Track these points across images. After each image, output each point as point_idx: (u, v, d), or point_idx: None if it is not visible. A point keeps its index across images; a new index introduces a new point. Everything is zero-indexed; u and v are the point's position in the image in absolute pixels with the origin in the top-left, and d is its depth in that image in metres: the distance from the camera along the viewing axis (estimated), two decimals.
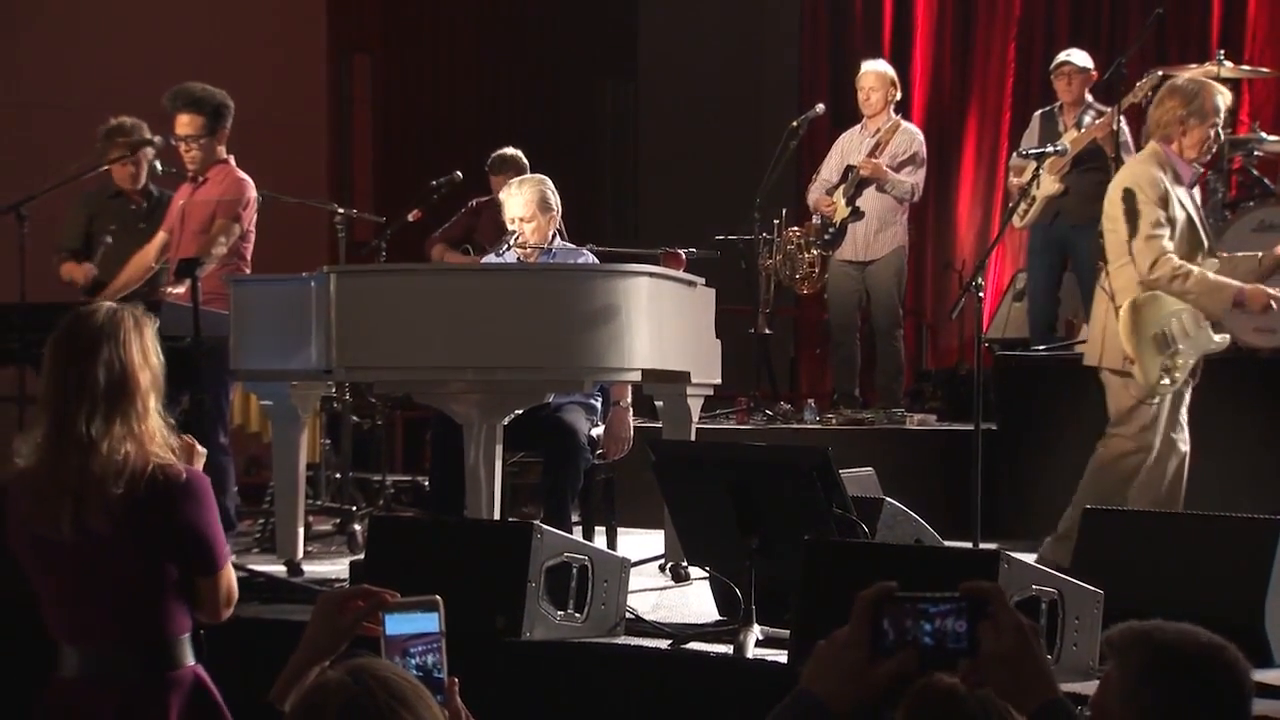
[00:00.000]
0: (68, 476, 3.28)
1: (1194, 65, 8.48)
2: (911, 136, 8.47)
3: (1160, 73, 8.19)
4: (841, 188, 8.49)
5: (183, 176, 6.97)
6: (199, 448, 3.51)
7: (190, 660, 3.40)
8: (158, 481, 3.30)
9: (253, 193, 6.80)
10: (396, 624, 2.35)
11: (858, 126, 8.66)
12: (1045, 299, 8.43)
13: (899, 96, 8.64)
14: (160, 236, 6.91)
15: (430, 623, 2.35)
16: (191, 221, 6.78)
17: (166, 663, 3.36)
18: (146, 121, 7.13)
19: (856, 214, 8.44)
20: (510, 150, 8.07)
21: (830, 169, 8.64)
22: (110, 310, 3.42)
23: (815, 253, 8.62)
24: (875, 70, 8.57)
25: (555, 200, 6.28)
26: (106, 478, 3.26)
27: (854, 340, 8.67)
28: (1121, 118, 7.98)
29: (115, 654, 3.34)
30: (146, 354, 3.40)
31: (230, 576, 3.46)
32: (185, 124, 6.72)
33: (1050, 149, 7.72)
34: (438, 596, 2.38)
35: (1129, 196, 5.77)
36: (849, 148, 8.60)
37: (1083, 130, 8.07)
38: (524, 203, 6.20)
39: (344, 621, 2.48)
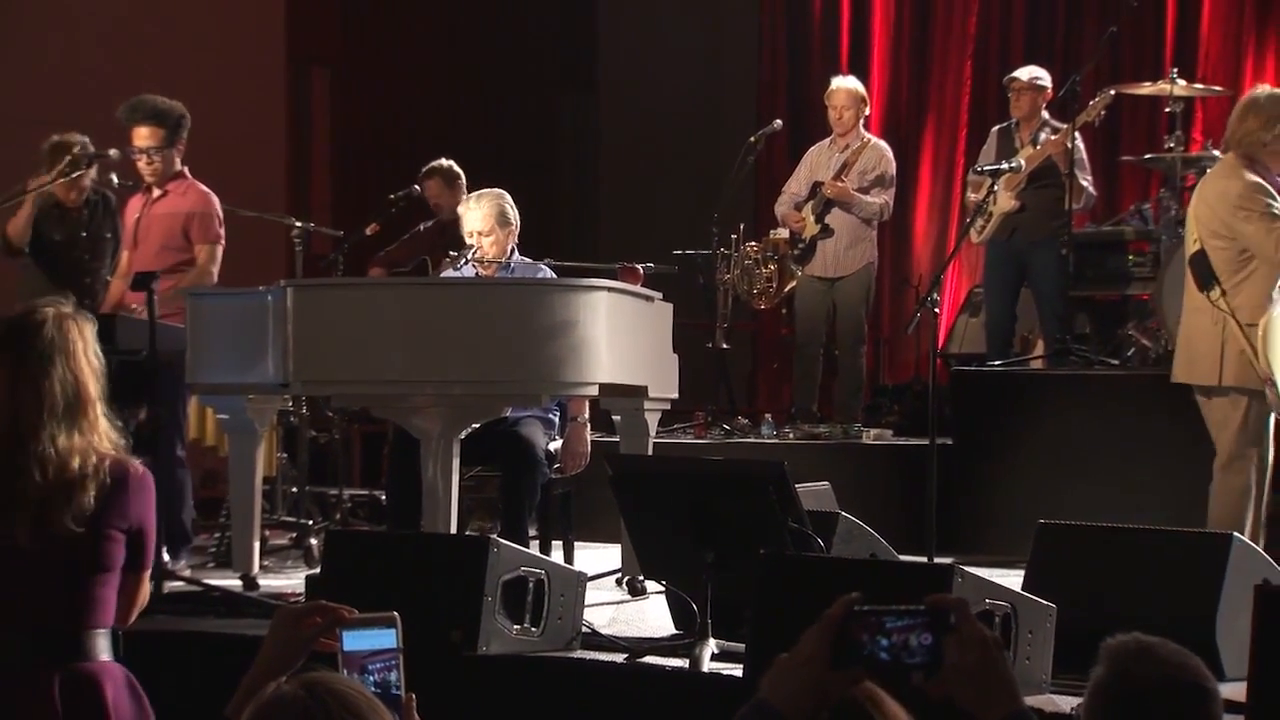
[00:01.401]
0: (28, 489, 3.29)
1: (1147, 83, 8.57)
2: (881, 154, 8.49)
3: (1113, 91, 8.27)
4: (810, 204, 8.51)
5: (138, 189, 6.95)
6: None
7: (109, 655, 3.42)
8: (118, 476, 3.36)
9: (219, 206, 6.81)
10: (354, 640, 2.35)
11: (827, 141, 8.66)
12: (1002, 315, 8.46)
13: (868, 113, 8.66)
14: (123, 257, 6.89)
15: (388, 639, 2.35)
16: (152, 235, 6.76)
17: (90, 654, 3.37)
18: (101, 134, 7.10)
19: (826, 231, 8.45)
20: (444, 161, 8.07)
21: (799, 183, 8.66)
22: (57, 319, 3.42)
23: (773, 267, 8.63)
24: (846, 88, 8.55)
25: (514, 214, 6.29)
26: (74, 486, 3.30)
27: (818, 355, 8.69)
28: (1077, 134, 8.03)
29: (41, 642, 3.35)
30: (92, 361, 3.43)
31: (148, 581, 3.53)
32: (145, 136, 6.71)
33: (1005, 166, 7.78)
34: (395, 613, 2.38)
35: (1245, 200, 5.72)
36: (818, 163, 8.61)
37: (1038, 147, 8.12)
38: (482, 216, 6.21)
39: (301, 637, 2.48)
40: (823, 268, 8.50)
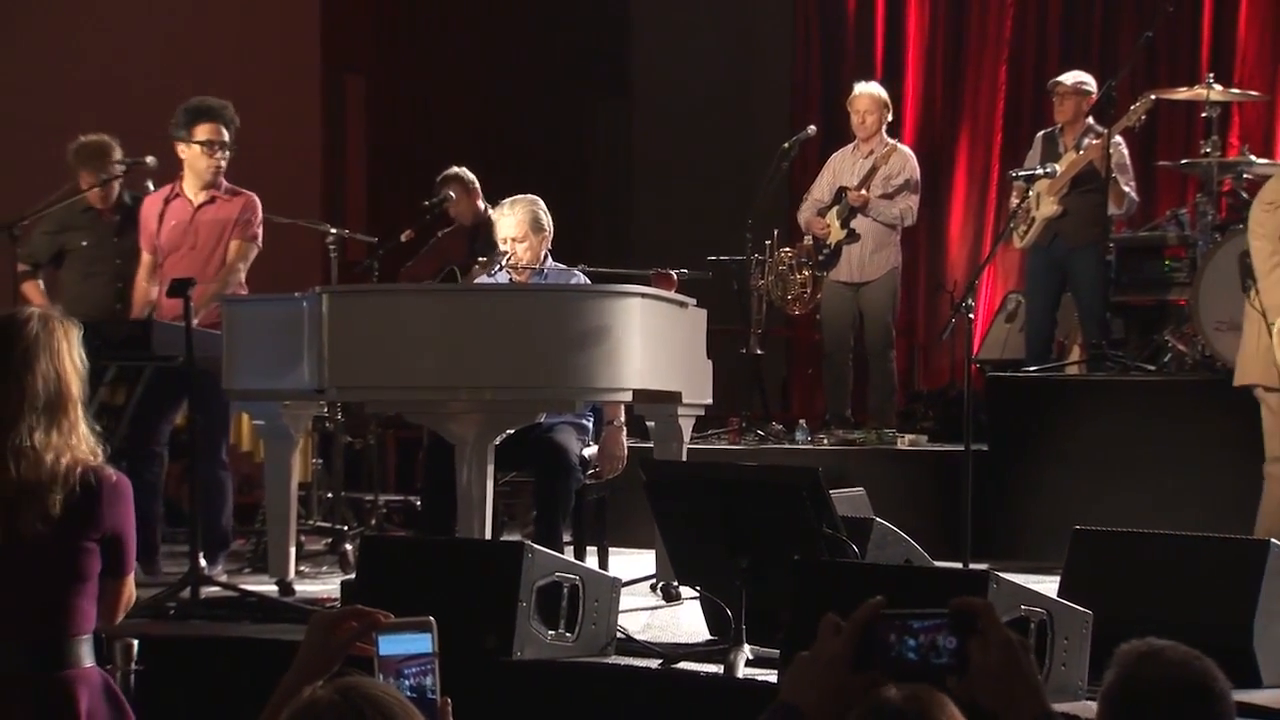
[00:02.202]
0: (4, 485, 3.31)
1: (1184, 88, 8.53)
2: (905, 160, 8.48)
3: (1154, 95, 8.24)
4: (835, 209, 8.50)
5: (154, 190, 6.97)
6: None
7: (91, 661, 3.43)
8: (89, 484, 3.35)
9: (261, 210, 6.86)
10: (390, 645, 2.36)
11: (850, 146, 8.65)
12: (1043, 320, 8.43)
13: (891, 118, 8.65)
14: (146, 260, 6.91)
15: (423, 643, 2.35)
16: (201, 241, 6.78)
17: (70, 661, 3.38)
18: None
19: (852, 236, 8.44)
20: (455, 169, 8.13)
21: (822, 189, 8.65)
22: (42, 318, 3.44)
23: (807, 273, 8.62)
24: (869, 93, 8.56)
25: (547, 220, 6.30)
26: (44, 486, 3.31)
27: (847, 361, 8.67)
28: (1119, 139, 8.00)
29: (19, 650, 3.37)
30: (75, 362, 3.44)
31: (132, 584, 3.53)
32: (213, 131, 6.74)
33: (1041, 170, 7.76)
34: (431, 618, 2.38)
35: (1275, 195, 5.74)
36: (841, 168, 8.60)
37: (1080, 152, 8.10)
38: (516, 222, 6.22)
39: (336, 642, 2.48)
40: (848, 273, 8.50)
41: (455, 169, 8.16)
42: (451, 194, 7.88)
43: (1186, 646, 2.27)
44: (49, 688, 3.35)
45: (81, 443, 3.39)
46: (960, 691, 2.08)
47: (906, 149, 8.60)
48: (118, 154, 7.02)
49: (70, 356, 3.43)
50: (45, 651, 3.37)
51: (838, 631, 2.11)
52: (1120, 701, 2.16)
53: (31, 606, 3.36)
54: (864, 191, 8.34)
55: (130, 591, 3.53)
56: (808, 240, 8.64)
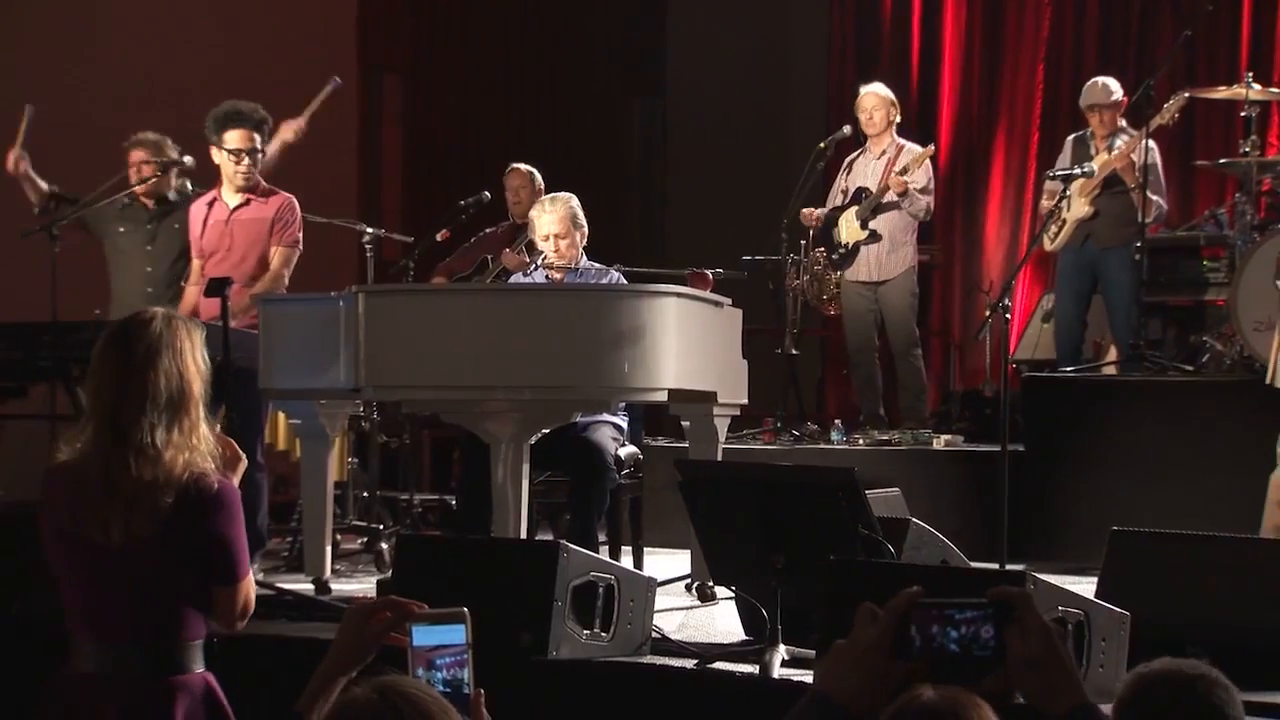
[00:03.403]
0: (125, 483, 3.33)
1: (1223, 87, 8.49)
2: (918, 156, 8.51)
3: (1187, 93, 8.20)
4: (854, 209, 8.51)
5: (200, 195, 7.00)
6: (242, 456, 3.55)
7: (200, 666, 3.44)
8: (191, 491, 3.36)
9: (299, 211, 6.88)
10: (423, 635, 2.36)
11: (859, 151, 8.71)
12: (1073, 321, 8.41)
13: (899, 118, 8.67)
14: (195, 265, 6.95)
15: (457, 634, 2.35)
16: (238, 242, 6.80)
17: (175, 666, 3.40)
18: (175, 139, 7.18)
19: (873, 237, 8.46)
20: (522, 165, 8.19)
21: (835, 195, 8.69)
22: (166, 318, 3.47)
23: (840, 274, 8.64)
24: (876, 92, 8.63)
25: (583, 218, 6.33)
26: (160, 486, 3.33)
27: (873, 360, 8.68)
28: (1153, 144, 7.97)
29: (128, 653, 3.38)
30: (198, 363, 3.46)
31: (249, 589, 3.50)
32: (243, 139, 6.76)
33: (1078, 170, 7.74)
34: (465, 609, 2.38)
35: None
36: (860, 171, 8.63)
37: (1113, 153, 8.07)
38: (557, 219, 6.25)
39: (371, 632, 2.49)
40: (866, 273, 8.52)
41: (522, 165, 8.19)
42: (488, 195, 7.89)
43: (1194, 660, 2.26)
44: (146, 692, 3.36)
45: (201, 443, 3.41)
46: (996, 682, 2.07)
47: (917, 147, 8.58)
48: (173, 151, 7.10)
49: (193, 356, 3.45)
50: (152, 655, 3.38)
51: (874, 619, 2.10)
52: (1128, 708, 2.16)
53: (141, 610, 3.38)
54: (905, 178, 8.33)
55: (246, 597, 3.49)
56: (819, 251, 8.67)
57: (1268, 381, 5.98)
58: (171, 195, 7.18)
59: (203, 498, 3.36)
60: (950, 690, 2.03)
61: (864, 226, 8.48)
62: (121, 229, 7.14)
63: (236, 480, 3.50)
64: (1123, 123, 8.23)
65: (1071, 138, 8.53)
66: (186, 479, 3.35)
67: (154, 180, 7.06)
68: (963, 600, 2.08)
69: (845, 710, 2.08)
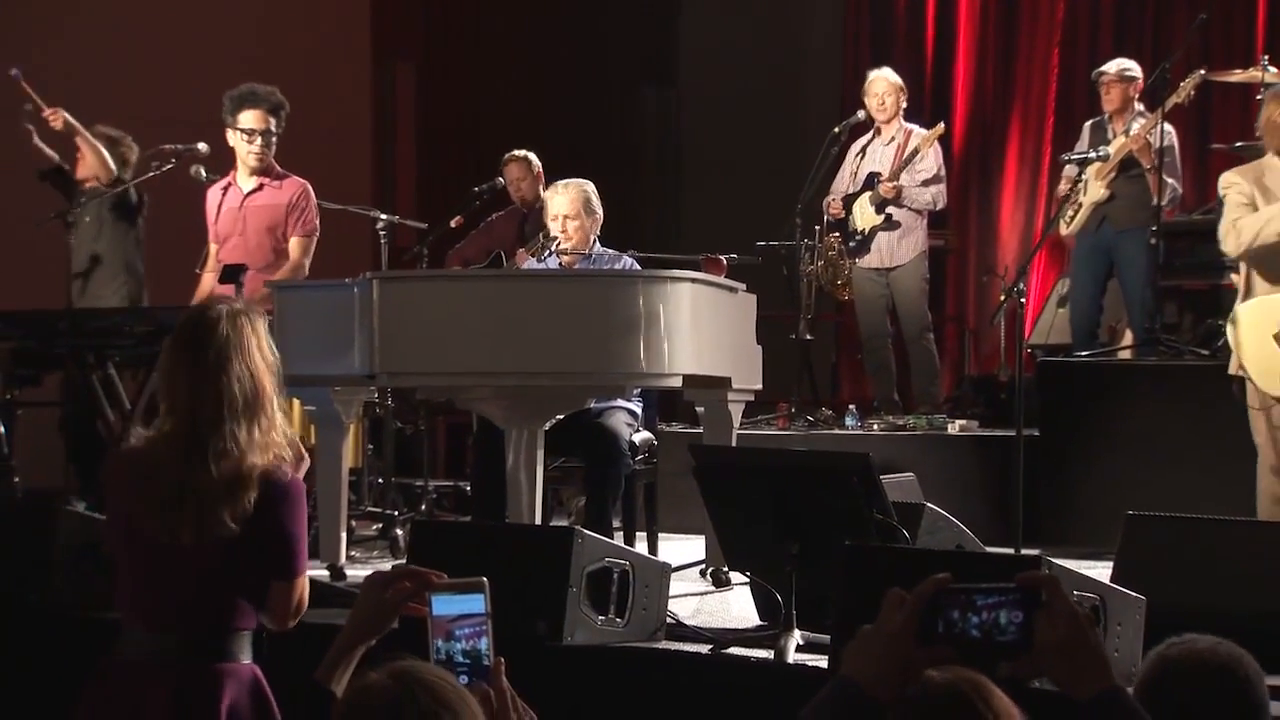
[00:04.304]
0: (203, 484, 3.32)
1: (1238, 70, 8.45)
2: (933, 148, 8.50)
3: (1203, 72, 8.17)
4: (868, 195, 8.51)
5: (215, 181, 7.02)
6: (306, 455, 3.53)
7: (248, 657, 3.44)
8: (264, 485, 3.36)
9: (314, 197, 6.89)
10: (443, 605, 2.35)
11: (868, 135, 8.69)
12: (1089, 305, 8.39)
13: (905, 104, 8.66)
14: (211, 250, 6.98)
15: (476, 604, 2.34)
16: (251, 227, 6.82)
17: (224, 654, 3.40)
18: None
19: (889, 222, 8.46)
20: (520, 151, 8.19)
21: (844, 180, 8.68)
22: (230, 316, 3.43)
23: (855, 260, 8.64)
24: (886, 77, 8.64)
25: (598, 204, 6.33)
26: (240, 485, 3.33)
27: (886, 346, 8.69)
28: (1167, 123, 7.94)
29: (178, 640, 3.38)
30: (267, 357, 3.45)
31: (304, 587, 3.50)
32: (258, 119, 6.78)
33: (1093, 154, 7.72)
34: (484, 578, 2.37)
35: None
36: (871, 157, 8.62)
37: (1130, 136, 8.05)
38: (569, 200, 6.27)
39: (390, 602, 2.49)
40: (878, 259, 8.53)
41: (521, 151, 8.19)
42: (501, 180, 7.89)
43: (1218, 637, 2.25)
44: (193, 677, 3.35)
45: (281, 436, 3.41)
46: (1023, 667, 2.07)
47: (924, 130, 8.57)
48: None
49: (262, 351, 3.43)
50: (200, 642, 3.38)
51: (902, 605, 2.10)
52: (1150, 688, 2.16)
53: (197, 601, 3.37)
54: (895, 183, 8.35)
55: (301, 595, 3.49)
56: (833, 235, 8.66)
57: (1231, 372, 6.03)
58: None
59: (274, 491, 3.36)
60: (958, 672, 2.03)
61: (879, 211, 8.48)
62: (88, 218, 7.22)
63: (302, 476, 3.49)
64: (1140, 106, 8.21)
65: (1090, 123, 8.51)
66: (261, 475, 3.35)
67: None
68: (990, 585, 2.07)
69: (871, 696, 2.08)
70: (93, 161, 7.37)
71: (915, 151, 8.38)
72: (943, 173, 8.54)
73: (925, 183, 8.45)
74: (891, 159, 8.48)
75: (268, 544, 3.38)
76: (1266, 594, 4.34)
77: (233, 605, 3.40)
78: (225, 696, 3.35)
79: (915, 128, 8.58)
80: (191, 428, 3.35)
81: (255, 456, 3.34)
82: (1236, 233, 5.92)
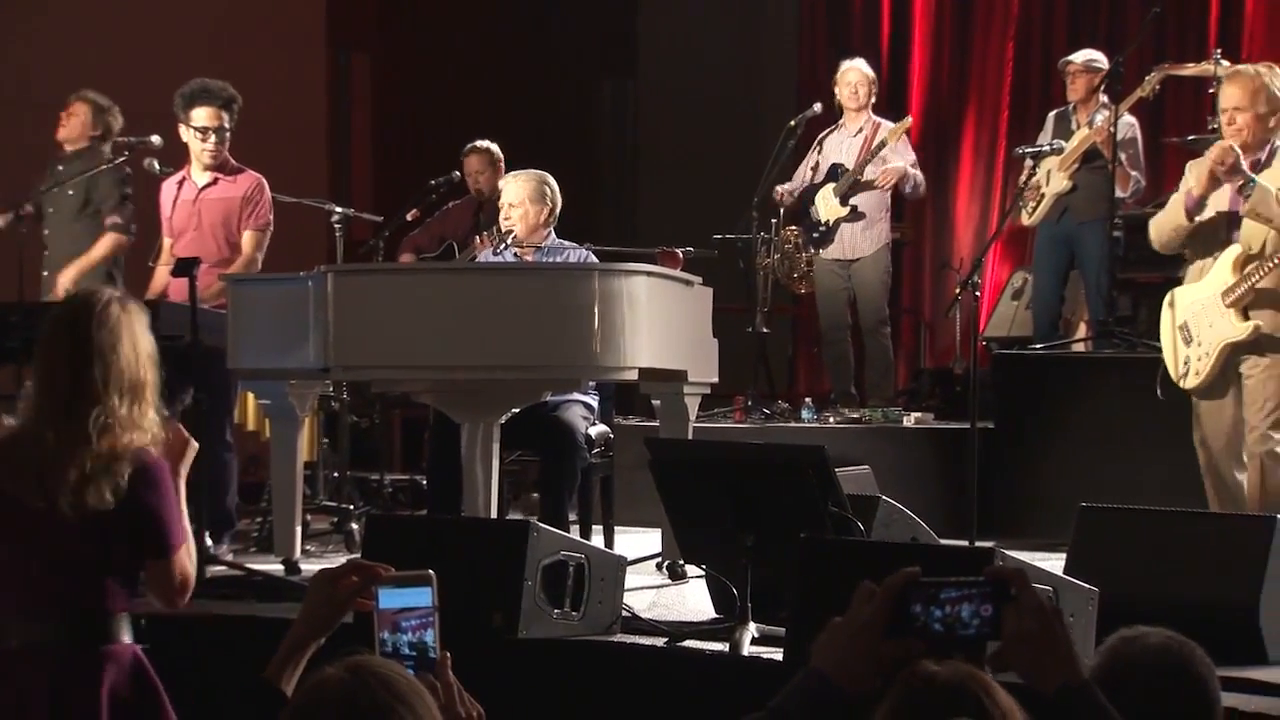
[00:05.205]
0: (80, 454, 3.36)
1: (1191, 64, 8.50)
2: (903, 139, 8.52)
3: (1167, 67, 8.21)
4: (832, 186, 8.52)
5: (170, 175, 6.98)
6: (193, 443, 3.61)
7: (128, 638, 3.47)
8: (134, 464, 3.41)
9: (269, 192, 6.87)
10: (390, 598, 2.36)
11: (832, 128, 8.71)
12: (1050, 296, 8.41)
13: (874, 96, 8.70)
14: (165, 244, 6.94)
15: (423, 597, 2.35)
16: (205, 221, 6.79)
17: (101, 637, 3.43)
18: (145, 119, 7.16)
19: (854, 214, 8.48)
20: (484, 141, 8.16)
21: (807, 171, 8.69)
22: (120, 301, 3.54)
23: (812, 252, 8.65)
24: (859, 67, 8.68)
25: (551, 195, 6.33)
26: (118, 461, 3.38)
27: (846, 339, 8.72)
28: (1133, 119, 7.98)
29: (53, 625, 3.41)
30: (150, 345, 3.53)
31: (184, 563, 3.52)
32: (211, 116, 6.76)
33: (1047, 147, 7.75)
34: (431, 571, 2.38)
35: None
36: (834, 148, 8.64)
37: (1093, 128, 8.09)
38: (518, 188, 6.29)
39: (339, 596, 2.49)
40: (840, 251, 8.56)
41: (484, 142, 8.17)
42: (458, 173, 7.88)
43: (1173, 631, 2.27)
44: (73, 660, 3.39)
45: (151, 424, 3.47)
46: (991, 660, 2.07)
47: (891, 124, 8.60)
48: (118, 119, 7.12)
49: (146, 338, 3.53)
50: (78, 625, 3.42)
51: (872, 598, 2.11)
52: (1103, 684, 2.16)
53: (69, 581, 3.41)
54: (897, 165, 8.38)
55: (184, 571, 3.51)
56: (791, 229, 8.68)
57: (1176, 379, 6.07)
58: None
59: (143, 470, 3.42)
60: (958, 665, 2.03)
61: (844, 203, 8.49)
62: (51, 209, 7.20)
63: (186, 465, 3.57)
64: (1104, 98, 8.24)
65: (1054, 113, 8.52)
66: (133, 454, 3.41)
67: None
68: (960, 579, 2.08)
69: (841, 688, 2.08)
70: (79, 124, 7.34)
71: (883, 144, 8.41)
72: (913, 153, 8.59)
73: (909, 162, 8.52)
74: (858, 151, 8.49)
75: (139, 523, 3.43)
76: (1219, 585, 4.37)
77: (107, 587, 3.43)
78: (106, 680, 3.38)
79: (884, 121, 8.61)
80: (72, 401, 3.41)
81: (131, 435, 3.41)
82: (1155, 228, 6.00)
